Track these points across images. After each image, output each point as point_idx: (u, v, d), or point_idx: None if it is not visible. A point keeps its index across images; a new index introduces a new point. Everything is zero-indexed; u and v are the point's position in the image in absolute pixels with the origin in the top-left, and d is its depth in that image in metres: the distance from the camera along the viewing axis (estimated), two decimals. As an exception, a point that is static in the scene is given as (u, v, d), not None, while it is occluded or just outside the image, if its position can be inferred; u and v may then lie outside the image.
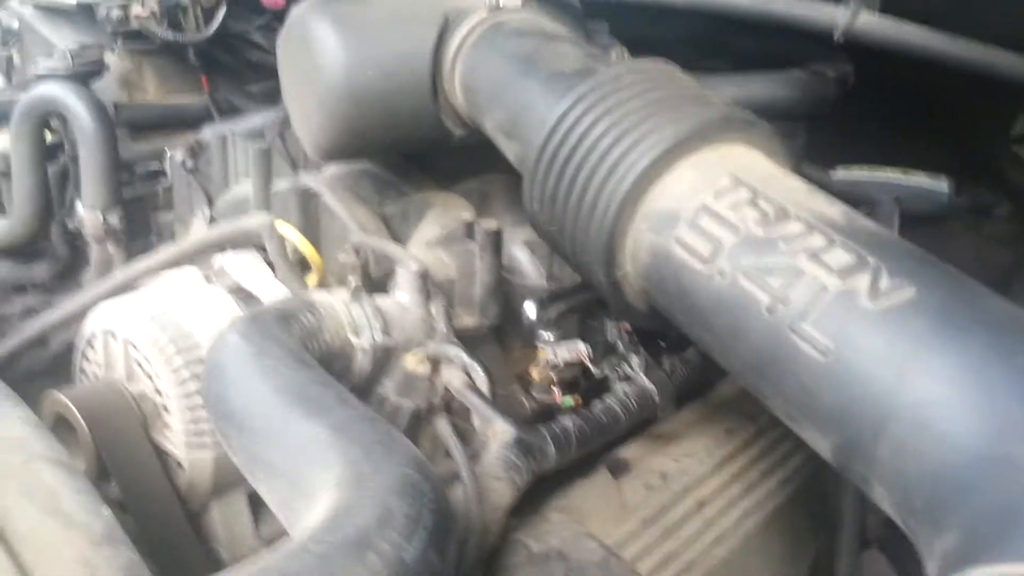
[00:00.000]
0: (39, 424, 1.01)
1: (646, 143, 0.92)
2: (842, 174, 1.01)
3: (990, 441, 0.61)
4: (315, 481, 0.69)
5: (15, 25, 2.19)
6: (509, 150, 1.18)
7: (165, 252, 1.44)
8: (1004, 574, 0.52)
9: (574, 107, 1.00)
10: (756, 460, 1.18)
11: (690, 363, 1.20)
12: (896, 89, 1.58)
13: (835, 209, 0.82)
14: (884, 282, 0.72)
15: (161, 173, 1.82)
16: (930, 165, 1.14)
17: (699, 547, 1.05)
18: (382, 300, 1.16)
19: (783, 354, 0.76)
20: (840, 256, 0.76)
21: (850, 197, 0.92)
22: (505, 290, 1.39)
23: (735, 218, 0.84)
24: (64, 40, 2.01)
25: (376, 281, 1.30)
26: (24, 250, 1.81)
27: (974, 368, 0.65)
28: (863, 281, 0.73)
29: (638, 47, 1.41)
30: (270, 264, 1.38)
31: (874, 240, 0.77)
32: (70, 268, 1.83)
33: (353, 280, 1.12)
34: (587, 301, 1.25)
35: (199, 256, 1.43)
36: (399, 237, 1.49)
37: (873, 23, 1.07)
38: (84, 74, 1.79)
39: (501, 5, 1.29)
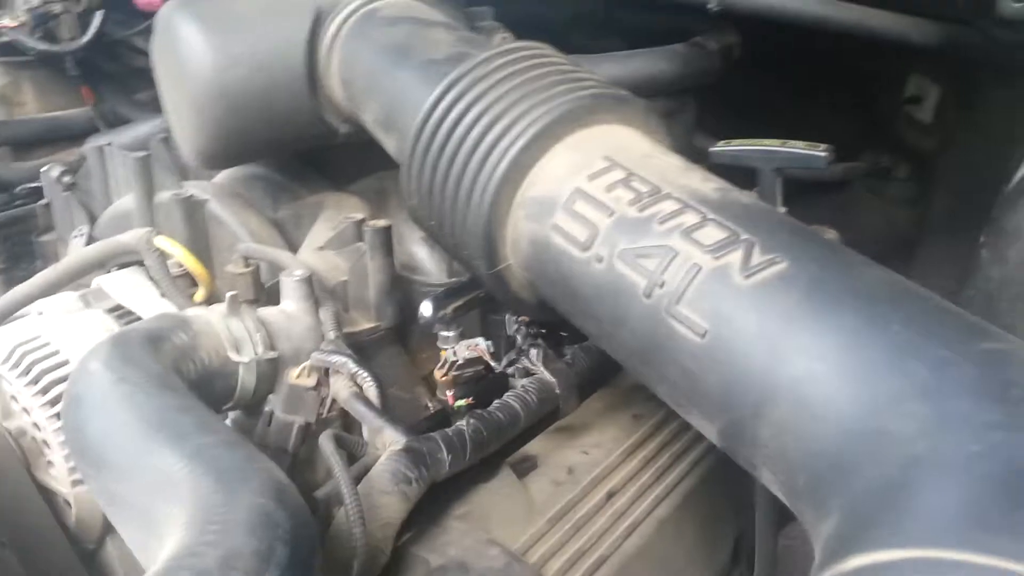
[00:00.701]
0: None
1: (517, 128, 0.88)
2: (721, 147, 0.99)
3: (865, 416, 0.59)
4: (166, 519, 0.63)
5: None
6: (388, 144, 1.13)
7: (42, 277, 1.35)
8: (881, 562, 0.50)
9: (445, 95, 0.96)
10: (666, 444, 1.15)
11: (592, 351, 1.17)
12: (791, 56, 1.57)
13: (709, 185, 0.79)
14: (756, 257, 0.69)
15: (42, 192, 1.72)
16: (828, 131, 1.13)
17: (611, 540, 1.02)
18: (265, 311, 1.10)
19: (663, 338, 0.73)
20: (713, 232, 0.73)
21: (731, 170, 0.89)
22: (405, 289, 1.34)
23: (609, 199, 0.80)
24: (-69, 59, 1.90)
25: (270, 291, 1.24)
26: None
27: (846, 341, 0.62)
28: (736, 257, 0.70)
29: (526, 30, 1.37)
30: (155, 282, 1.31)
31: (746, 214, 0.74)
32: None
33: (231, 293, 1.06)
34: (487, 295, 1.20)
35: (78, 278, 1.35)
36: (293, 241, 1.43)
37: (748, -9, 1.05)
38: (-48, 92, 1.69)
39: (374, -9, 1.24)
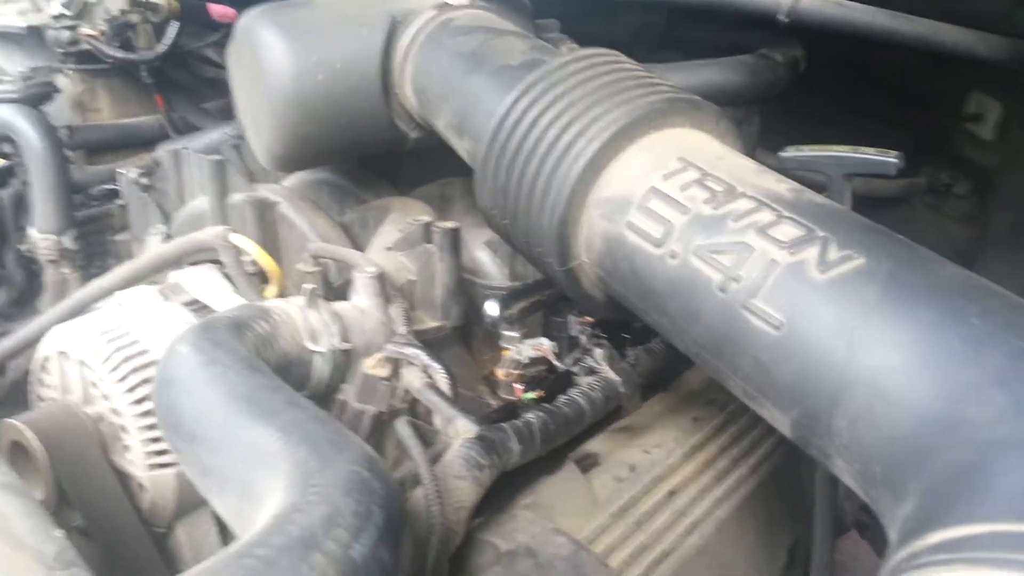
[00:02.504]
0: (-4, 449, 0.99)
1: (593, 130, 0.91)
2: (791, 152, 1.01)
3: (943, 404, 0.60)
4: (264, 486, 0.67)
5: (-36, 52, 2.16)
6: (461, 148, 1.17)
7: (120, 271, 1.41)
8: (961, 536, 0.51)
9: (521, 98, 0.99)
10: (726, 448, 1.17)
11: (655, 353, 1.19)
12: (852, 72, 1.59)
13: (783, 186, 0.82)
14: (833, 253, 0.71)
15: (117, 193, 1.79)
16: (888, 146, 1.14)
17: (671, 537, 1.03)
18: (340, 305, 1.14)
19: (737, 331, 0.75)
20: (788, 230, 0.75)
21: (801, 175, 0.91)
22: (468, 291, 1.37)
23: (684, 199, 0.83)
24: (15, 65, 1.98)
25: (337, 289, 1.28)
26: (-21, 278, 1.78)
27: (925, 333, 0.64)
28: (812, 253, 0.72)
29: (589, 44, 1.40)
30: (228, 278, 1.36)
31: (822, 213, 0.77)
32: (26, 294, 1.80)
33: (309, 286, 1.10)
34: (550, 297, 1.23)
35: (155, 273, 1.41)
36: (359, 244, 1.47)
37: (817, 3, 1.07)
38: (34, 97, 1.77)
39: (449, 3, 1.28)
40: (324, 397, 1.10)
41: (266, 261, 1.34)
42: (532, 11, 1.46)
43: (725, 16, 1.29)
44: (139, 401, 1.15)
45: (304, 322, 1.07)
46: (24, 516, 0.86)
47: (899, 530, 0.59)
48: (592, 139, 0.91)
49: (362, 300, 1.16)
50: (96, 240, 1.78)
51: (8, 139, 1.70)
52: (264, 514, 0.63)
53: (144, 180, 1.65)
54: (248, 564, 0.55)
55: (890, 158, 0.94)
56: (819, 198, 0.80)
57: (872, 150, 0.96)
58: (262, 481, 0.67)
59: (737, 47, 1.49)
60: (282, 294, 1.39)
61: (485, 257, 1.43)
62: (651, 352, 1.19)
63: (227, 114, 2.17)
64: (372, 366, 1.05)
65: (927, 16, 1.05)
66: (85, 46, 1.95)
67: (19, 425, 1.16)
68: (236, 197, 1.48)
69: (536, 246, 0.98)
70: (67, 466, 1.16)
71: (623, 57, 1.04)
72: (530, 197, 0.96)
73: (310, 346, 1.06)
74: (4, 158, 1.78)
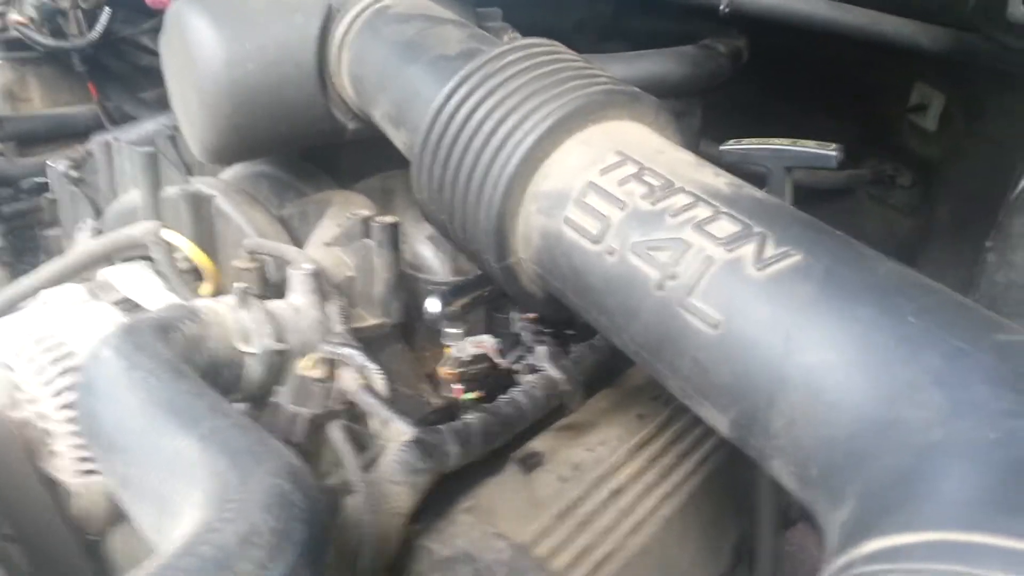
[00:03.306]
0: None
1: (530, 122, 0.89)
2: (732, 145, 1.00)
3: (881, 405, 0.59)
4: (182, 499, 0.64)
5: None
6: (398, 139, 1.14)
7: (47, 269, 1.36)
8: (899, 545, 0.50)
9: (457, 89, 0.96)
10: (671, 444, 1.16)
11: (598, 349, 1.17)
12: (795, 63, 1.59)
13: (721, 180, 0.80)
14: (770, 250, 0.70)
15: (47, 187, 1.72)
16: (831, 138, 1.14)
17: (616, 537, 1.02)
18: (274, 304, 1.11)
19: (675, 330, 0.73)
20: (725, 226, 0.73)
21: (741, 168, 0.90)
22: (410, 287, 1.34)
23: (622, 194, 0.81)
24: (-63, 53, 1.90)
25: (276, 286, 1.24)
26: (-100, 276, 1.71)
27: (862, 331, 0.63)
28: (749, 250, 0.70)
29: (533, 34, 1.38)
30: (162, 275, 1.32)
31: (760, 208, 0.75)
32: (-49, 292, 1.72)
33: (241, 284, 1.06)
34: (492, 293, 1.21)
35: (84, 271, 1.36)
36: (299, 239, 1.43)
37: (759, -7, 1.06)
38: (-41, 86, 1.70)
39: (385, -10, 1.24)
40: (258, 400, 1.06)
41: (200, 258, 1.30)
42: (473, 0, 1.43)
43: (671, 6, 1.27)
44: (66, 406, 1.11)
45: (235, 322, 1.03)
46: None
47: (837, 535, 0.58)
48: (529, 131, 0.89)
49: (298, 298, 1.13)
50: (25, 235, 1.71)
51: (-72, 130, 1.62)
52: (181, 531, 0.60)
53: (74, 173, 1.59)
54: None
55: (830, 151, 0.94)
56: (758, 193, 0.79)
57: (812, 143, 0.95)
58: (180, 494, 0.64)
59: (682, 38, 1.48)
60: (219, 292, 1.35)
61: (427, 252, 1.40)
62: (594, 348, 1.17)
63: (165, 104, 2.10)
64: (307, 367, 1.02)
65: (869, 7, 1.04)
66: (14, 33, 1.88)
67: (-64, 432, 1.11)
68: (170, 191, 1.43)
69: (473, 242, 0.95)
70: (-10, 474, 1.12)
71: (562, 48, 1.02)
72: (467, 191, 0.93)
73: (242, 347, 1.02)
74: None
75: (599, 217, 0.82)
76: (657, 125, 0.92)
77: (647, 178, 0.81)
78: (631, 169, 0.83)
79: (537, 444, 1.10)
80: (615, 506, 1.04)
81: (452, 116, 0.95)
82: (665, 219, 0.77)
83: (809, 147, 0.95)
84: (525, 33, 1.51)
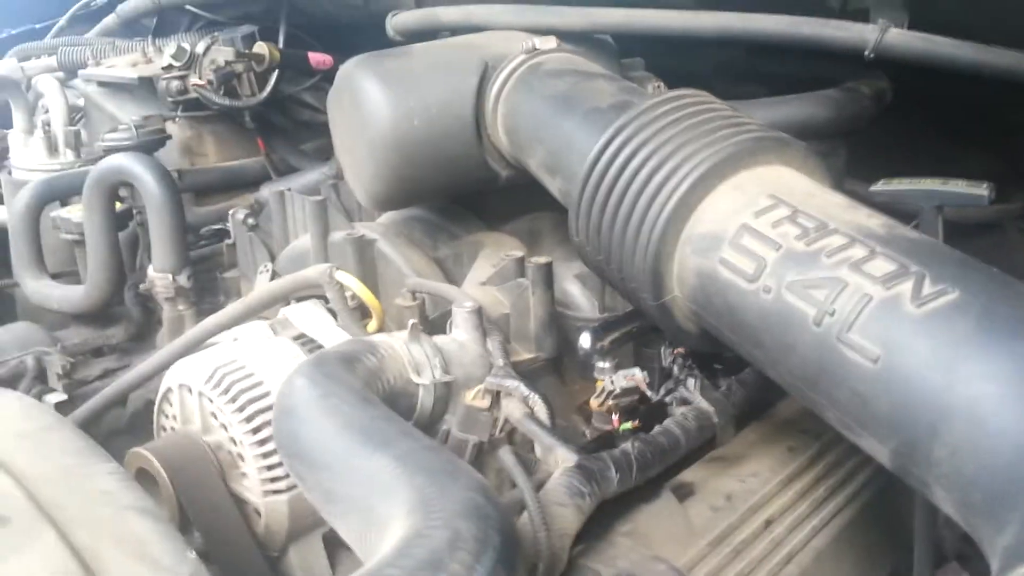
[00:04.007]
0: (126, 477, 1.07)
1: (685, 169, 0.95)
2: (881, 186, 1.03)
3: (1043, 434, 0.62)
4: (386, 511, 0.72)
5: (80, 102, 2.32)
6: (553, 186, 1.22)
7: (233, 308, 1.49)
8: (1064, 564, 0.53)
9: (613, 140, 1.04)
10: (822, 477, 1.17)
11: (747, 383, 1.21)
12: (939, 102, 1.59)
13: (875, 220, 0.84)
14: (927, 287, 0.73)
15: (224, 233, 1.89)
16: (976, 175, 1.15)
17: (769, 567, 1.05)
18: (441, 339, 1.20)
19: (833, 364, 0.77)
20: (882, 265, 0.77)
21: (892, 208, 0.93)
22: (560, 324, 1.41)
23: (776, 235, 0.86)
24: (127, 114, 2.12)
25: (433, 323, 1.33)
26: (100, 314, 1.90)
27: (1021, 363, 0.65)
28: (906, 287, 0.74)
29: (674, 80, 1.44)
30: (332, 312, 1.43)
31: (915, 248, 0.79)
32: (144, 329, 1.91)
33: (413, 321, 1.16)
34: (641, 329, 1.26)
35: (265, 309, 1.49)
36: (453, 279, 1.53)
37: (902, 38, 1.09)
38: (149, 143, 1.90)
39: (537, 48, 1.34)
40: (428, 427, 1.15)
41: (367, 297, 1.41)
42: (617, 51, 1.51)
43: (804, 49, 1.31)
44: (256, 430, 1.22)
45: (408, 355, 1.13)
46: (161, 539, 0.93)
47: (999, 559, 0.61)
48: (683, 178, 0.95)
49: (461, 334, 1.22)
50: (206, 278, 1.88)
51: (126, 183, 1.82)
52: (389, 537, 0.68)
53: (251, 220, 1.75)
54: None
55: (981, 190, 0.95)
56: (912, 232, 0.82)
57: (963, 182, 0.97)
58: (383, 506, 0.73)
59: (818, 79, 1.51)
60: (381, 328, 1.46)
61: (576, 290, 1.47)
62: (744, 382, 1.21)
63: (322, 154, 2.28)
64: (473, 397, 1.10)
65: (1014, 47, 1.06)
66: (193, 95, 2.08)
67: (146, 453, 1.25)
68: (336, 235, 1.55)
69: (630, 281, 1.01)
70: (189, 492, 1.24)
71: (710, 97, 1.08)
72: (623, 234, 1.00)
73: (414, 379, 1.11)
74: (120, 201, 1.90)
75: (754, 257, 0.87)
76: (807, 168, 0.97)
77: (801, 220, 0.86)
78: (784, 212, 0.88)
79: (689, 475, 1.14)
80: (768, 536, 1.07)
81: (608, 165, 1.02)
82: (821, 259, 0.81)
83: (960, 187, 0.97)
84: (664, 77, 1.58)
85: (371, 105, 1.37)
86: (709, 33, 1.33)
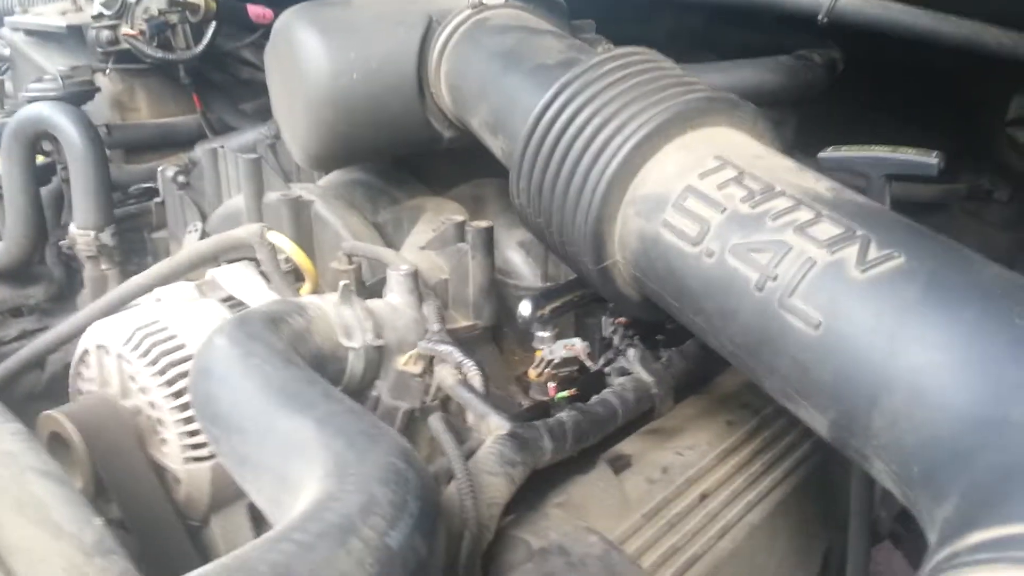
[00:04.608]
0: (30, 438, 1.00)
1: (629, 128, 0.91)
2: (830, 152, 1.00)
3: (987, 404, 0.60)
4: (300, 475, 0.68)
5: (6, 52, 2.21)
6: (495, 146, 1.17)
7: (158, 268, 1.43)
8: (1003, 536, 0.51)
9: (557, 97, 0.99)
10: (759, 452, 1.16)
11: (688, 355, 1.18)
12: (890, 74, 1.57)
13: (822, 184, 0.81)
14: (873, 252, 0.71)
15: (154, 191, 1.82)
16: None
17: (703, 540, 1.03)
18: (374, 302, 1.15)
19: (775, 330, 0.74)
20: (827, 229, 0.74)
21: (839, 176, 0.90)
22: (501, 292, 1.38)
23: (721, 197, 0.83)
24: (55, 64, 2.01)
25: (371, 288, 1.29)
26: (20, 273, 1.81)
27: (968, 332, 0.63)
28: (851, 252, 0.71)
29: (626, 44, 1.40)
30: (264, 275, 1.38)
31: (862, 212, 0.76)
32: (66, 290, 1.83)
33: (344, 282, 1.11)
34: (582, 298, 1.23)
35: (193, 270, 1.42)
36: (393, 243, 1.48)
37: (857, 4, 1.06)
38: (75, 95, 1.81)
39: (484, 2, 1.29)
40: (357, 393, 1.10)
41: (302, 259, 1.35)
42: (568, 12, 1.46)
43: (763, 18, 1.28)
44: (176, 395, 1.17)
45: (338, 318, 1.08)
46: (64, 503, 0.88)
47: (938, 531, 0.59)
48: (628, 137, 0.91)
49: (396, 298, 1.17)
50: (134, 237, 1.81)
51: (50, 136, 1.73)
52: (301, 502, 0.63)
53: (182, 178, 1.68)
54: (286, 548, 0.55)
55: (931, 159, 0.93)
56: (859, 197, 0.80)
57: (912, 150, 0.95)
58: (298, 470, 0.68)
59: (773, 49, 1.48)
60: (316, 292, 1.40)
61: (518, 258, 1.44)
62: (685, 354, 1.18)
63: (263, 115, 2.20)
64: (405, 363, 1.06)
65: (971, 17, 1.04)
66: (125, 46, 1.99)
67: (59, 416, 1.18)
68: (272, 196, 1.49)
69: (570, 245, 0.98)
70: (105, 458, 1.18)
71: (659, 56, 1.04)
72: (565, 195, 0.96)
73: (344, 342, 1.06)
74: (44, 155, 1.81)
75: (698, 220, 0.83)
76: (755, 132, 0.94)
77: (747, 182, 0.83)
78: (730, 173, 0.84)
79: (626, 446, 1.11)
80: (703, 510, 1.05)
81: (552, 123, 0.98)
82: (765, 222, 0.78)
83: (909, 155, 0.95)
84: (616, 42, 1.53)
85: (309, 57, 1.31)
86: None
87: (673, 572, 0.98)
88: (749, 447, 1.16)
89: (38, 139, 1.72)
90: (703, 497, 1.07)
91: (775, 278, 0.75)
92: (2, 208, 1.78)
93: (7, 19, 2.18)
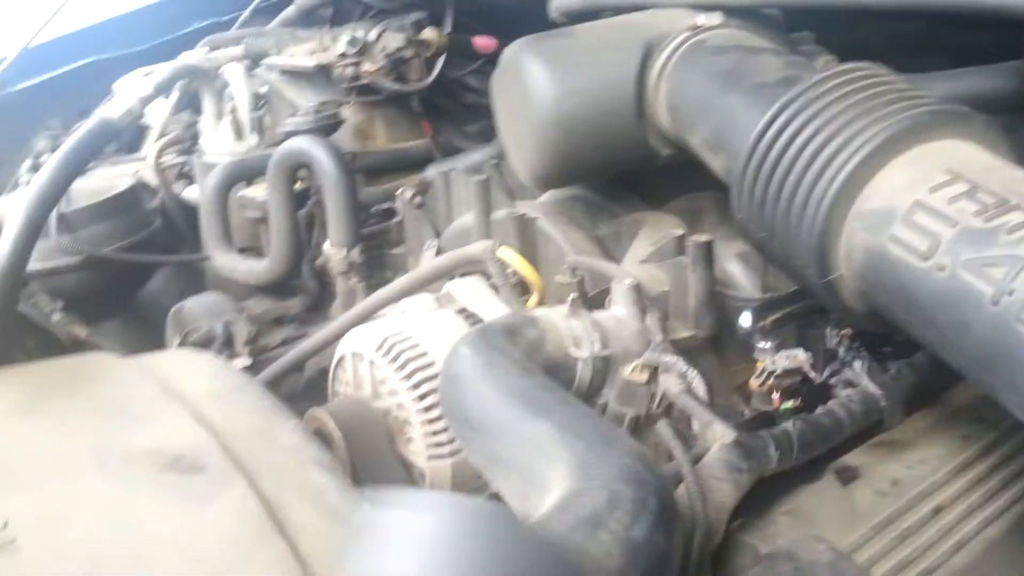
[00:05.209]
0: (307, 433, 1.15)
1: (854, 144, 0.92)
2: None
3: None
4: (547, 473, 0.75)
5: (263, 90, 2.48)
6: (715, 163, 1.21)
7: (401, 283, 1.57)
8: None
9: (779, 114, 1.02)
10: (997, 467, 1.11)
11: (918, 367, 1.16)
12: None
13: (1062, 196, 0.79)
14: (1119, 266, 0.69)
15: (392, 212, 1.99)
16: None
17: (937, 554, 1.01)
18: (599, 314, 1.22)
19: (1011, 346, 0.74)
20: (1069, 242, 0.73)
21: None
22: (720, 303, 1.40)
23: (953, 211, 0.83)
24: (306, 100, 2.24)
25: (592, 300, 1.36)
26: (281, 286, 2.04)
27: None
28: (1096, 266, 0.70)
29: (845, 55, 1.39)
30: (494, 288, 1.48)
31: (1108, 225, 0.74)
32: (320, 301, 2.03)
33: (573, 296, 1.19)
34: (804, 309, 1.24)
35: (431, 284, 1.56)
36: (613, 257, 1.54)
37: (1105, -1, 1.01)
38: (325, 127, 2.01)
39: (701, 24, 1.33)
40: (586, 401, 1.17)
41: (528, 273, 1.45)
42: (785, 25, 1.47)
43: (989, 19, 1.23)
44: (422, 397, 1.29)
45: (568, 329, 1.16)
46: (337, 491, 1.01)
47: None
48: (853, 153, 0.93)
49: (620, 310, 1.23)
50: (375, 254, 1.98)
51: (304, 165, 1.93)
52: (550, 497, 0.71)
53: (417, 199, 1.83)
54: (540, 537, 0.63)
55: None
56: (1103, 209, 0.77)
57: None
58: (544, 469, 0.76)
59: (1004, 50, 1.41)
60: (541, 304, 1.50)
61: (736, 269, 1.45)
62: (915, 366, 1.16)
63: (486, 136, 2.33)
64: (631, 372, 1.12)
65: None
66: (365, 80, 2.18)
67: (323, 414, 1.34)
68: (499, 214, 1.60)
69: (795, 259, 1.00)
70: (360, 452, 1.32)
71: (883, 70, 1.04)
72: (788, 210, 0.98)
73: (573, 352, 1.14)
74: (299, 181, 2.03)
75: (928, 235, 0.84)
76: (988, 142, 0.92)
77: (980, 196, 0.82)
78: (962, 187, 0.84)
79: (853, 458, 1.11)
80: (937, 524, 1.03)
81: (774, 140, 1.01)
82: (1000, 236, 0.78)
83: None
84: (836, 51, 1.52)
85: (534, 84, 1.41)
86: (883, 4, 1.28)
87: (904, 585, 0.98)
88: (986, 462, 1.12)
89: (297, 168, 1.94)
90: (937, 511, 1.05)
91: (1011, 293, 0.75)
92: (267, 230, 2.01)
93: (264, 61, 2.44)
